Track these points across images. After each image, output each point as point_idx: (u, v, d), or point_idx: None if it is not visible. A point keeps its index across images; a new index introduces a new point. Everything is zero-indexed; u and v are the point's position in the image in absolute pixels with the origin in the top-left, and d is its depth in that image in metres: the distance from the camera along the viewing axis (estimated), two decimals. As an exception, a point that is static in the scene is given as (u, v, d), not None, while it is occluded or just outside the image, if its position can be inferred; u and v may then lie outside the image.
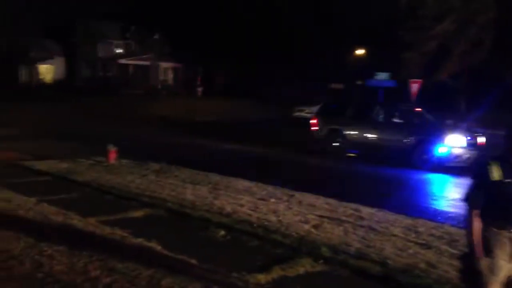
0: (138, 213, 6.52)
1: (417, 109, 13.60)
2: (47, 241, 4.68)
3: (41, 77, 52.61)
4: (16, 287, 3.63)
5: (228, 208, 6.72)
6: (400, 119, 12.79)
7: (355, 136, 13.25)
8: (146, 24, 46.04)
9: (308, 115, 25.41)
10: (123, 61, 49.70)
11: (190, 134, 18.63)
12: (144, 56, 49.28)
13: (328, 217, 6.46)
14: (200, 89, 44.41)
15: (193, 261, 4.62)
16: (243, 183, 8.51)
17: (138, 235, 5.25)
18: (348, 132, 13.33)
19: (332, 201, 7.40)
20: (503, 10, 19.49)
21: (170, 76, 51.04)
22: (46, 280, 3.79)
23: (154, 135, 17.90)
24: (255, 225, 5.99)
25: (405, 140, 12.17)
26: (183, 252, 4.79)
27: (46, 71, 53.48)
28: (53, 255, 4.33)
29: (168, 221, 6.31)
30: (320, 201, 7.38)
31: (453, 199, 8.92)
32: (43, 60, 51.79)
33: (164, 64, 49.59)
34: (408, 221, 6.49)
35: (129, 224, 5.83)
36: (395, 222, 6.38)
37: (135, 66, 50.19)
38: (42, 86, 48.80)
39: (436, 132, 12.06)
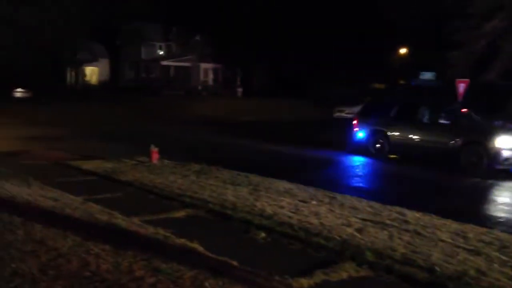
0: (180, 214, 6.58)
1: (464, 110, 13.15)
2: (93, 240, 4.78)
3: (86, 78, 54.41)
4: (64, 285, 3.72)
5: (269, 210, 6.68)
6: (446, 120, 12.41)
7: (399, 137, 12.96)
8: (187, 25, 46.71)
9: (349, 115, 25.12)
10: (165, 62, 50.73)
11: (230, 134, 18.75)
12: (185, 58, 50.11)
13: (371, 221, 6.31)
14: (240, 90, 44.70)
15: (235, 263, 4.60)
16: (283, 185, 8.46)
17: (181, 236, 5.29)
18: (391, 133, 13.05)
19: (375, 204, 7.24)
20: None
21: (210, 76, 51.67)
22: (93, 279, 3.87)
23: (195, 135, 18.12)
24: (296, 227, 5.92)
25: (451, 142, 11.80)
26: (225, 254, 4.78)
27: (92, 72, 55.27)
28: (99, 254, 4.42)
29: (210, 222, 6.34)
30: (363, 204, 7.23)
31: (503, 204, 8.60)
32: (89, 62, 53.58)
33: (204, 65, 50.27)
34: (455, 226, 6.27)
35: (172, 224, 5.89)
36: (442, 227, 6.17)
37: (176, 67, 51.10)
38: (88, 87, 50.48)
39: (484, 134, 11.63)
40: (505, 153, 11.10)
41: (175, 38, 51.69)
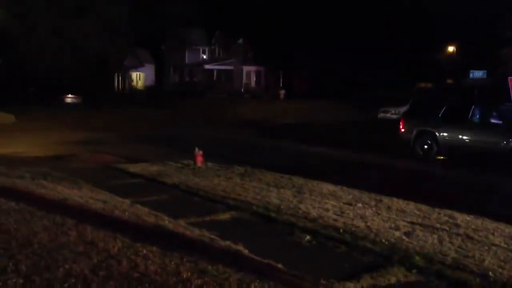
0: (224, 216, 6.63)
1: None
2: (142, 241, 4.88)
3: (133, 84, 55.95)
4: (115, 286, 3.82)
5: (313, 213, 6.62)
6: (498, 120, 11.93)
7: (448, 138, 12.57)
8: (230, 29, 47.19)
9: (394, 116, 24.57)
10: (208, 66, 51.39)
11: (273, 136, 18.75)
12: (227, 61, 50.61)
13: (420, 224, 6.14)
14: (282, 92, 44.68)
15: (280, 266, 4.58)
16: (327, 187, 8.37)
17: (226, 238, 5.32)
18: (440, 134, 12.67)
19: (424, 207, 7.04)
20: None
21: (253, 79, 51.89)
22: (142, 280, 3.94)
23: (238, 137, 18.24)
24: (341, 230, 5.84)
25: (504, 143, 11.33)
26: (269, 256, 4.77)
27: (138, 77, 56.77)
28: (147, 256, 4.50)
29: (254, 224, 6.35)
30: (411, 207, 7.05)
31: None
32: (135, 68, 55.13)
33: (246, 68, 50.56)
34: (510, 229, 6.02)
35: (217, 227, 5.93)
36: (495, 231, 5.92)
37: (219, 70, 51.67)
38: (134, 92, 51.90)
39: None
40: None
41: (218, 42, 52.30)
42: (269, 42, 42.87)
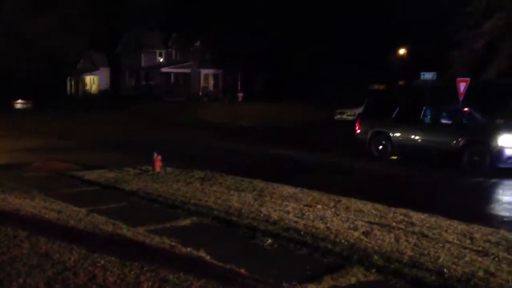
0: (185, 222, 6.56)
1: (465, 109, 13.14)
2: (99, 251, 4.75)
3: (86, 88, 54.54)
4: (72, 300, 3.71)
5: (275, 216, 6.65)
6: (448, 120, 12.41)
7: (401, 138, 12.95)
8: (187, 31, 46.82)
9: (350, 117, 25.14)
10: (165, 69, 50.75)
11: (231, 140, 18.74)
12: (185, 64, 50.18)
13: (377, 224, 6.29)
14: (240, 94, 44.77)
15: (242, 271, 4.57)
16: (287, 189, 8.44)
17: (187, 244, 5.26)
18: (393, 135, 13.04)
19: (380, 206, 7.22)
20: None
21: (211, 82, 51.71)
22: (100, 292, 3.85)
23: (197, 141, 18.11)
24: (302, 232, 5.89)
25: (453, 142, 11.78)
26: (231, 261, 4.75)
27: (92, 81, 55.38)
28: (105, 266, 4.39)
29: (215, 229, 6.31)
30: (368, 207, 7.21)
31: (507, 203, 8.59)
32: (89, 71, 53.76)
33: (204, 71, 50.34)
34: (462, 226, 6.25)
35: (177, 233, 5.86)
36: (449, 228, 6.15)
37: (177, 74, 51.16)
38: (88, 96, 50.60)
39: (486, 133, 11.62)
40: (508, 152, 11.10)
41: (175, 44, 51.75)
42: (227, 45, 42.85)
